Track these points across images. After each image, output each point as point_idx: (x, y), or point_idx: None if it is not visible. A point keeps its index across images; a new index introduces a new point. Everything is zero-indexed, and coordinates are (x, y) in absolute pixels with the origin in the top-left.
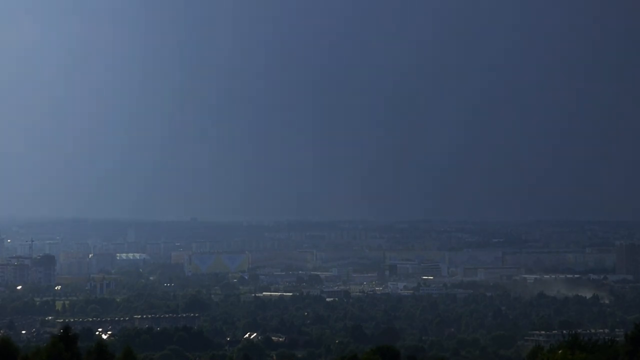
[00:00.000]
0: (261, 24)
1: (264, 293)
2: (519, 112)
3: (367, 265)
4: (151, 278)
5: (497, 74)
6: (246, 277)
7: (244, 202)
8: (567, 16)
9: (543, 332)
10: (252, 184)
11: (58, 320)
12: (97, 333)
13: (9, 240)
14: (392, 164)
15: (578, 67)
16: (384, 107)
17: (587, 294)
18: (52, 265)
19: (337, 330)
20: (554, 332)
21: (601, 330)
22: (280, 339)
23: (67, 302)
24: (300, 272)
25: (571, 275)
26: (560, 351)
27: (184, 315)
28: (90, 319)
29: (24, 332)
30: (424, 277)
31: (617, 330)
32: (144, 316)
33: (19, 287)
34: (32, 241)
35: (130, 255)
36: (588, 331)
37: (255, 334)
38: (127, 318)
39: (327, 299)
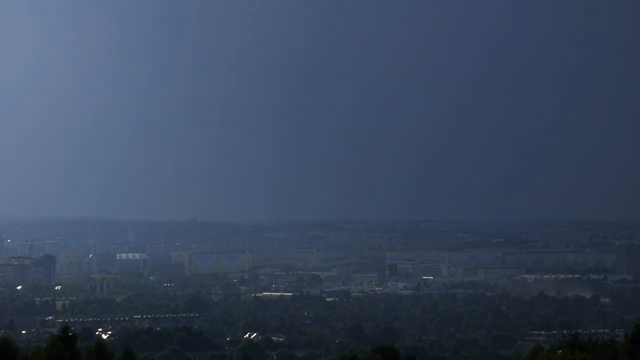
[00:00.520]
0: (258, 23)
1: (264, 293)
2: (518, 112)
3: (367, 265)
4: (151, 278)
5: (497, 73)
6: (246, 277)
7: (244, 202)
8: (564, 12)
9: (543, 332)
10: (252, 184)
11: (58, 320)
12: (97, 333)
13: (9, 240)
14: (392, 163)
15: (578, 67)
16: (383, 105)
17: (587, 294)
18: (52, 265)
19: (337, 330)
20: (554, 332)
21: (601, 330)
22: (280, 339)
23: (67, 302)
24: (300, 272)
25: (571, 275)
26: (560, 351)
27: (184, 315)
28: (90, 319)
29: (24, 332)
30: (424, 277)
31: (617, 330)
32: (144, 316)
33: (19, 287)
34: (32, 241)
35: (130, 255)
36: (588, 331)
37: (255, 334)
38: (127, 318)
39: (327, 299)
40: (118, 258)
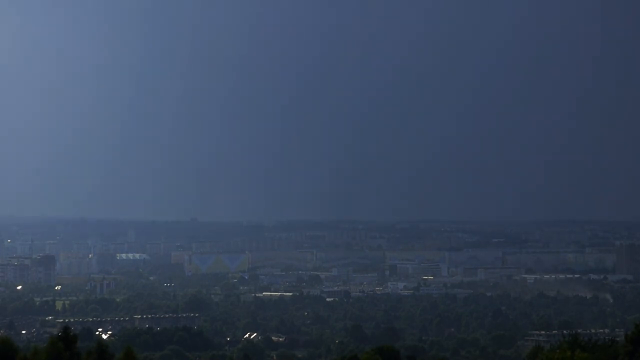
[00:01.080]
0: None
1: (264, 293)
2: (518, 112)
3: (367, 265)
4: (151, 278)
5: (496, 73)
6: (246, 277)
7: (243, 202)
8: (565, 14)
9: (543, 332)
10: (252, 184)
11: (58, 320)
12: (97, 333)
13: (9, 240)
14: (392, 163)
15: (578, 67)
16: (383, 105)
17: (587, 294)
18: (52, 265)
19: (337, 330)
20: (554, 332)
21: (601, 330)
22: (280, 339)
23: (67, 302)
24: (300, 272)
25: (571, 275)
26: (560, 351)
27: (184, 315)
28: (90, 319)
29: (24, 332)
30: (424, 277)
31: (617, 330)
32: (144, 316)
33: (19, 287)
34: (32, 241)
35: (130, 255)
36: (588, 331)
37: (255, 334)
38: (127, 318)
39: (327, 299)
40: (118, 258)
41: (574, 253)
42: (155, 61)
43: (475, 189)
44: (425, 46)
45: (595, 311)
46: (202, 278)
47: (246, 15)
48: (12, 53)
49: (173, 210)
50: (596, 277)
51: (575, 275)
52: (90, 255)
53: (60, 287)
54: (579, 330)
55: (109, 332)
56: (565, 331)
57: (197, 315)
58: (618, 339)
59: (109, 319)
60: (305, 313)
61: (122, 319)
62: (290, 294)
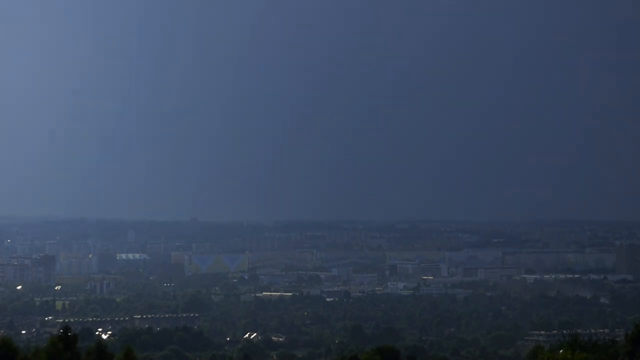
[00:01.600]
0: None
1: (264, 293)
2: (518, 112)
3: (367, 265)
4: (151, 278)
5: (496, 74)
6: (246, 277)
7: (244, 202)
8: (571, 16)
9: (543, 332)
10: (252, 184)
11: (58, 320)
12: (97, 333)
13: (9, 240)
14: (392, 163)
15: (577, 67)
16: (384, 105)
17: (587, 294)
18: (52, 265)
19: (337, 330)
20: (554, 332)
21: (601, 330)
22: (280, 339)
23: (67, 302)
24: (300, 272)
25: (571, 275)
26: (560, 351)
27: (184, 315)
28: (90, 319)
29: (24, 332)
30: (424, 277)
31: (617, 330)
32: (144, 316)
33: (19, 287)
34: (32, 241)
35: (130, 255)
36: (588, 331)
37: (255, 334)
38: (127, 318)
39: (327, 299)
40: (118, 258)
41: (574, 253)
42: (155, 60)
43: (475, 189)
44: (425, 46)
45: (595, 311)
46: (202, 278)
47: (247, 13)
48: (13, 53)
49: (173, 210)
50: (596, 277)
51: (575, 275)
52: (90, 255)
53: (60, 287)
54: (579, 331)
55: (109, 332)
56: (565, 331)
57: (197, 315)
58: (618, 339)
59: (109, 319)
60: (305, 313)
61: (122, 319)
62: (290, 294)
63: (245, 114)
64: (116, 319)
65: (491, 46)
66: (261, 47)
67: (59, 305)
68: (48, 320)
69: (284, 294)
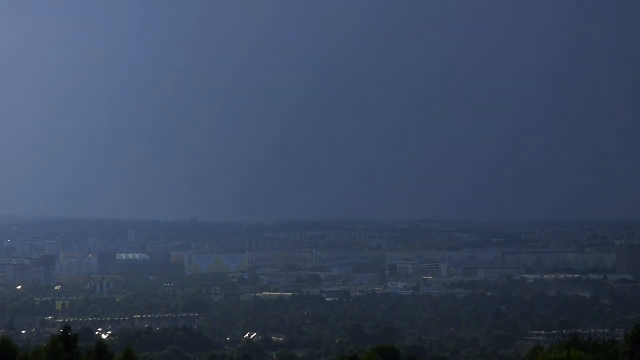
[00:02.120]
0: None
1: (264, 293)
2: (518, 112)
3: (367, 265)
4: (151, 278)
5: (496, 75)
6: (246, 277)
7: (244, 202)
8: (565, 16)
9: (543, 332)
10: (252, 184)
11: (58, 320)
12: (97, 333)
13: (9, 240)
14: (392, 163)
15: (577, 67)
16: (383, 106)
17: (587, 294)
18: (52, 265)
19: (337, 330)
20: (554, 332)
21: (601, 330)
22: (280, 339)
23: (67, 302)
24: (300, 272)
25: (571, 275)
26: (560, 351)
27: (184, 315)
28: (90, 319)
29: (24, 332)
30: (424, 277)
31: (617, 330)
32: (144, 316)
33: (19, 287)
34: (32, 241)
35: (130, 255)
36: (588, 331)
37: (255, 334)
38: (127, 318)
39: (327, 299)
40: (118, 258)
41: (574, 253)
42: (155, 60)
43: (475, 189)
44: (425, 47)
45: (595, 311)
46: (202, 278)
47: (248, 12)
48: (12, 53)
49: (173, 210)
50: (596, 277)
51: (575, 275)
52: (90, 255)
53: (60, 287)
54: (579, 330)
55: (109, 332)
56: (565, 331)
57: (197, 315)
58: (618, 339)
59: (109, 319)
60: (305, 313)
61: (122, 319)
62: (290, 294)
63: (246, 114)
64: (116, 319)
65: (491, 47)
66: (261, 47)
67: (59, 305)
68: (48, 320)
69: (284, 294)
